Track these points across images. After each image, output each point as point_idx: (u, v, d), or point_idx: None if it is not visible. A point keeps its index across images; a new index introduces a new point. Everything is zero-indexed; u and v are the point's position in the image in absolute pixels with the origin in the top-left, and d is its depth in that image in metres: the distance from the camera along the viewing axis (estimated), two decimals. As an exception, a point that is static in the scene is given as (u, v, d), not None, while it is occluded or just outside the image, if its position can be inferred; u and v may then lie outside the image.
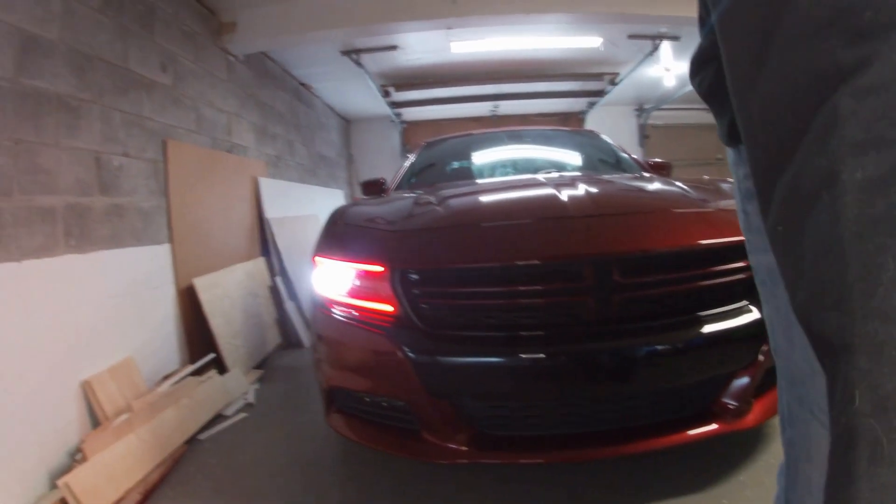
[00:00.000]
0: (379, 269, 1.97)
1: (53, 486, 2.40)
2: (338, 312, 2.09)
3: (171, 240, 3.79)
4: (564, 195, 2.09)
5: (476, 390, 1.85)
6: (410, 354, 1.82)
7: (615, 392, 1.80)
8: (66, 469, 2.50)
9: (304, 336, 4.96)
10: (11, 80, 2.52)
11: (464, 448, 1.84)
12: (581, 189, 2.17)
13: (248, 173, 5.15)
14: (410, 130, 10.51)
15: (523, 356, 1.75)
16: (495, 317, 1.85)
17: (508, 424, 1.89)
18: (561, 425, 1.86)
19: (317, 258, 2.25)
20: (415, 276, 1.92)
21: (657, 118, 10.38)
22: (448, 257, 1.93)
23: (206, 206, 4.28)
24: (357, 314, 2.02)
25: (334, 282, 2.13)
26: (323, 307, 2.17)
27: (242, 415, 3.36)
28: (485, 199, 2.54)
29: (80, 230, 2.94)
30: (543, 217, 1.99)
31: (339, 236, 2.34)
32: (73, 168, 2.93)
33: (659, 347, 1.72)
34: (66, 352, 2.72)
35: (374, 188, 3.87)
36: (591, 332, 1.75)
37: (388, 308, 1.94)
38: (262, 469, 2.63)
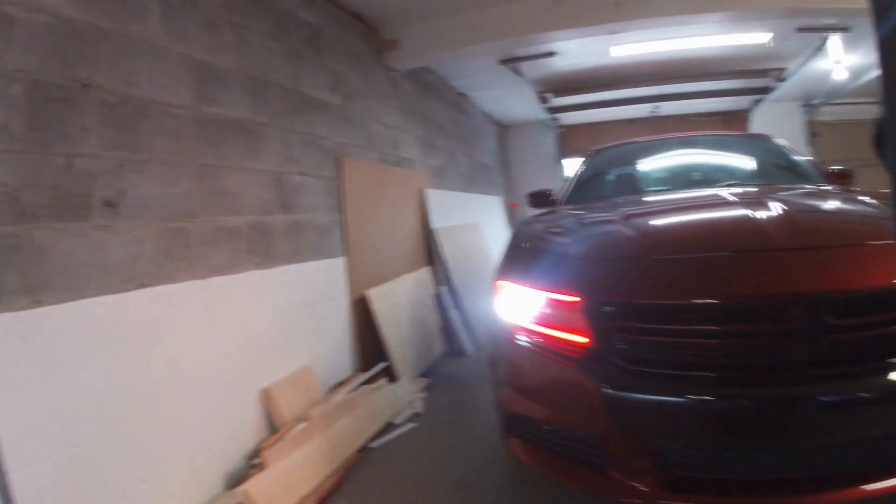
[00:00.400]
0: (574, 299, 1.77)
1: (228, 487, 2.37)
2: (523, 339, 1.90)
3: (345, 253, 3.70)
4: (761, 218, 1.86)
5: (671, 431, 1.66)
6: (604, 389, 1.63)
7: (821, 438, 1.56)
8: (240, 471, 2.48)
9: (468, 344, 4.74)
10: (192, 109, 2.48)
11: (649, 488, 1.63)
12: (775, 209, 1.92)
13: (414, 185, 5.00)
14: (566, 134, 9.82)
15: (725, 398, 1.55)
16: (695, 355, 1.63)
17: (698, 465, 1.66)
18: (754, 469, 1.63)
19: (501, 282, 2.07)
20: (611, 309, 1.72)
21: (827, 114, 8.76)
22: (650, 291, 1.73)
23: (376, 219, 4.17)
24: (545, 343, 1.83)
25: (520, 308, 1.94)
26: (507, 332, 1.98)
27: (411, 424, 3.20)
28: (676, 222, 2.28)
29: (262, 247, 2.89)
30: (746, 249, 1.74)
31: (526, 261, 2.16)
32: (255, 188, 2.89)
33: (869, 393, 1.50)
34: (248, 361, 2.68)
35: (542, 200, 3.52)
36: (798, 376, 1.54)
37: (582, 339, 1.74)
38: (432, 483, 2.47)
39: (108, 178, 2.02)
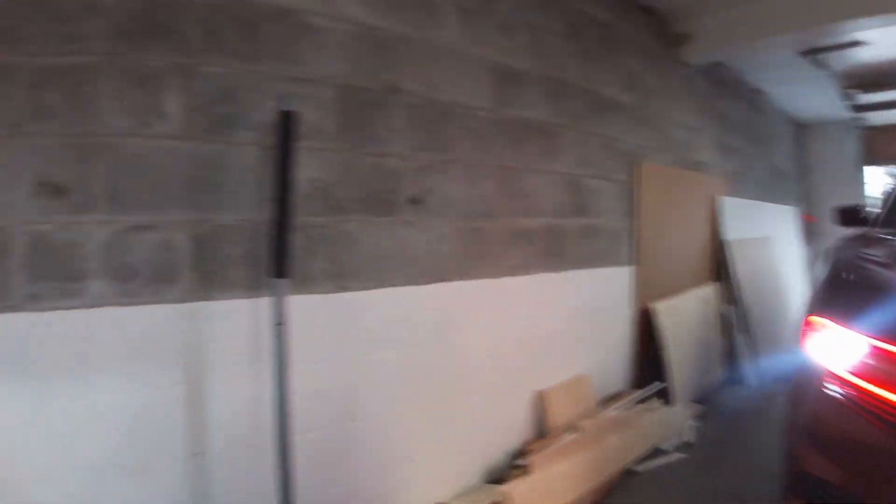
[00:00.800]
0: None
1: (486, 481, 2.23)
2: (835, 390, 1.48)
3: (634, 262, 3.18)
4: None
5: None
6: None
7: None
8: (501, 468, 2.30)
9: (752, 375, 3.79)
10: (492, 111, 2.29)
11: None
12: None
13: (706, 191, 4.13)
14: (870, 137, 7.34)
15: None
16: None
17: None
18: None
19: (816, 318, 1.62)
20: None
21: None
22: None
23: (667, 227, 3.52)
24: (863, 399, 1.42)
25: (838, 352, 1.51)
26: (815, 377, 1.57)
27: (679, 454, 2.68)
28: None
29: (554, 250, 2.63)
30: None
31: (849, 296, 1.69)
32: (551, 191, 2.64)
33: None
34: (527, 362, 2.47)
35: (852, 217, 2.77)
36: None
37: None
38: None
39: (414, 177, 1.96)
